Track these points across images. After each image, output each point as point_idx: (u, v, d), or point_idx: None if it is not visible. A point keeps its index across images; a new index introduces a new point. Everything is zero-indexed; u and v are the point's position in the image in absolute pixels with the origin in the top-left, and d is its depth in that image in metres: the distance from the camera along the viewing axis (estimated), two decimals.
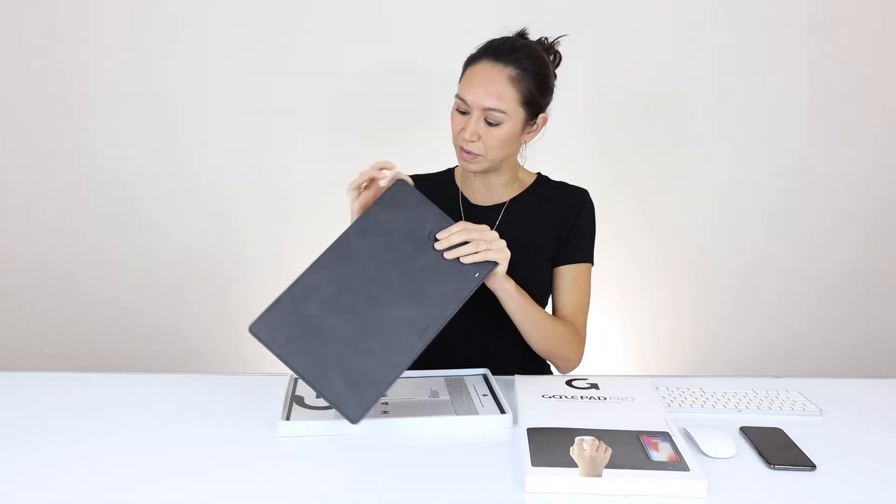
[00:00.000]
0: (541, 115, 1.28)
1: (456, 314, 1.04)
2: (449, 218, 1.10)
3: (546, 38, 1.30)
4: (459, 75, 1.28)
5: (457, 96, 1.24)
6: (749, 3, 2.18)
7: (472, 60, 1.25)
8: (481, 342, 1.32)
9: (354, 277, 1.03)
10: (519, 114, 1.22)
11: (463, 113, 1.23)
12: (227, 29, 2.21)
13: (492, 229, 1.33)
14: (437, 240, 1.07)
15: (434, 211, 1.10)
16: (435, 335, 1.02)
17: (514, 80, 1.20)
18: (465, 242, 1.07)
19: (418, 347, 1.00)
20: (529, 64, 1.21)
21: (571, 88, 2.21)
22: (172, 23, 2.20)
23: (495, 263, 1.09)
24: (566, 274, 1.34)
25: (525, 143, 1.30)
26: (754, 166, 2.29)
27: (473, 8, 2.11)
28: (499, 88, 1.19)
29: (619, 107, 2.26)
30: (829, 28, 2.20)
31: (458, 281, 1.05)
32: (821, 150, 2.28)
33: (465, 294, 1.05)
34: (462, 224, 1.08)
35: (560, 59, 1.32)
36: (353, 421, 0.95)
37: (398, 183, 1.11)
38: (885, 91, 2.24)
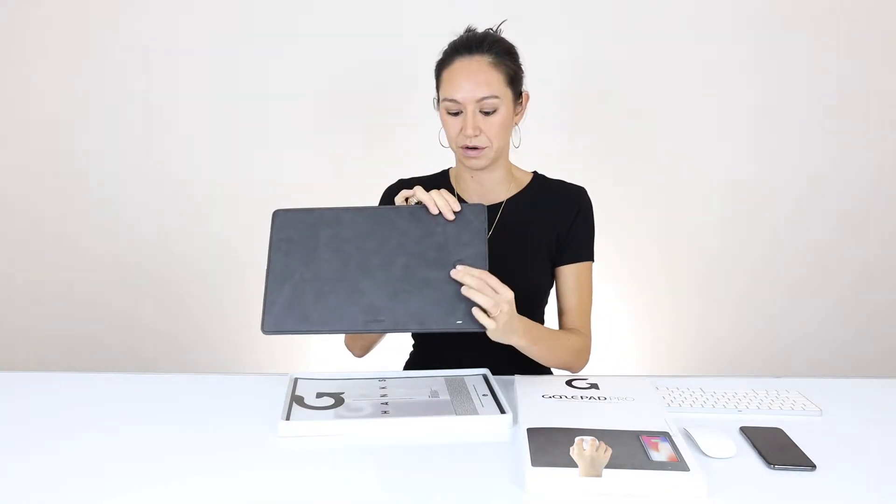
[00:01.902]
0: (523, 94, 1.31)
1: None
2: (486, 261, 1.06)
3: (490, 29, 1.31)
4: (435, 84, 1.30)
5: (444, 100, 1.25)
6: (753, 3, 2.18)
7: (445, 63, 1.27)
8: (481, 342, 1.32)
9: (372, 240, 1.06)
10: (508, 95, 1.25)
11: (455, 114, 1.25)
12: (226, 30, 2.21)
13: (490, 229, 1.34)
14: (455, 266, 1.04)
15: (481, 248, 1.07)
16: (378, 332, 1.06)
17: (495, 64, 1.24)
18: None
19: (358, 328, 1.02)
20: (500, 46, 1.26)
21: (573, 88, 2.22)
22: (172, 27, 2.20)
23: (482, 329, 1.03)
24: (569, 274, 1.34)
25: (516, 124, 1.33)
26: (759, 167, 2.29)
27: (470, 7, 2.11)
28: (485, 76, 1.22)
29: (620, 106, 2.26)
30: (834, 28, 2.20)
31: (441, 313, 1.03)
32: (825, 151, 2.28)
33: (433, 328, 1.02)
34: (487, 276, 1.02)
35: None
36: (263, 331, 1.01)
37: (480, 206, 1.10)
38: (891, 91, 2.24)
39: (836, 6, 2.18)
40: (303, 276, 1.04)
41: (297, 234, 1.07)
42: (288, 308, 1.02)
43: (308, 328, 1.02)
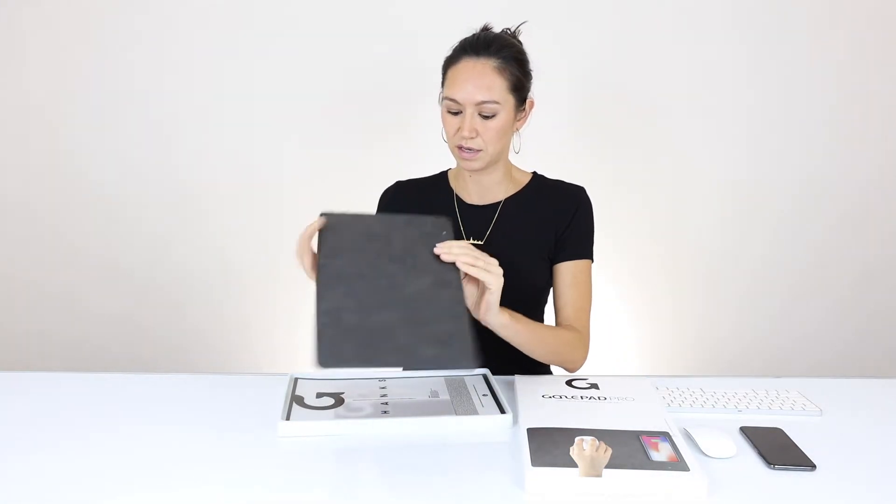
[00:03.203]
0: (528, 100, 1.30)
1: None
2: (390, 215, 1.14)
3: (508, 29, 1.30)
4: (441, 80, 1.29)
5: (446, 98, 1.25)
6: (753, 3, 2.18)
7: (451, 61, 1.27)
8: (481, 342, 1.32)
9: (359, 285, 1.02)
10: (510, 101, 1.24)
11: (455, 113, 1.25)
12: (227, 30, 2.21)
13: (488, 229, 1.34)
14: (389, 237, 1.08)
15: (370, 217, 1.14)
16: (463, 280, 1.05)
17: (500, 70, 1.23)
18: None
19: (461, 295, 1.03)
20: (508, 51, 1.24)
21: (573, 88, 2.22)
22: (172, 27, 2.20)
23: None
24: (566, 271, 1.34)
25: (517, 129, 1.32)
26: (759, 167, 2.29)
27: (470, 7, 2.11)
28: (487, 81, 1.22)
29: (621, 106, 2.26)
30: (834, 28, 2.20)
31: (438, 239, 1.07)
32: (825, 151, 2.28)
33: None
34: (465, 244, 1.06)
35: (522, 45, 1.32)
36: (471, 366, 0.96)
37: (321, 216, 1.09)
38: (891, 92, 2.24)
39: (836, 6, 2.18)
40: (408, 336, 0.97)
41: (353, 342, 0.95)
42: (448, 343, 0.97)
43: (464, 330, 0.98)
